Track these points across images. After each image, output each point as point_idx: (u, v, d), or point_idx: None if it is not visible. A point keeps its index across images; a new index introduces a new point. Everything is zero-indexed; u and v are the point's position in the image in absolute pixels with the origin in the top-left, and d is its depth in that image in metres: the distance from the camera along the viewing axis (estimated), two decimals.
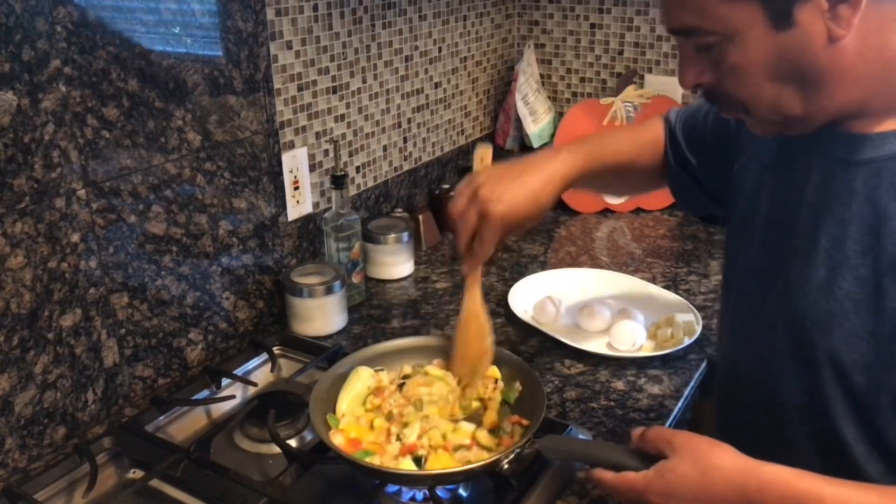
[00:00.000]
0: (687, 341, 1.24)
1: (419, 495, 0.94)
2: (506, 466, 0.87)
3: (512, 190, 0.92)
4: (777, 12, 0.66)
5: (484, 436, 0.93)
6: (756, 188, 0.88)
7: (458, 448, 0.92)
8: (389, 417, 0.95)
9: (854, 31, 0.66)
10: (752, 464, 0.70)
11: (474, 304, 1.00)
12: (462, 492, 0.96)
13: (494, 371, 1.03)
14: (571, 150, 1.01)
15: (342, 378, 1.02)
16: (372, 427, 0.95)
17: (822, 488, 0.67)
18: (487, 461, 0.86)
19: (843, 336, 0.75)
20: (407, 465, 0.89)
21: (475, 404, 0.99)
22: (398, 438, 0.92)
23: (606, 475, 0.77)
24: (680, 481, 0.71)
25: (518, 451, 0.87)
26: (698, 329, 1.27)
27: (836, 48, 0.67)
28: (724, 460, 0.71)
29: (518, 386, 1.00)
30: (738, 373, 0.92)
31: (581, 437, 1.03)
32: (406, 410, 0.96)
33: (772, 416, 0.85)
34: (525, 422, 0.94)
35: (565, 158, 0.99)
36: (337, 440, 0.92)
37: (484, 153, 1.01)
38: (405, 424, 0.93)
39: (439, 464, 0.89)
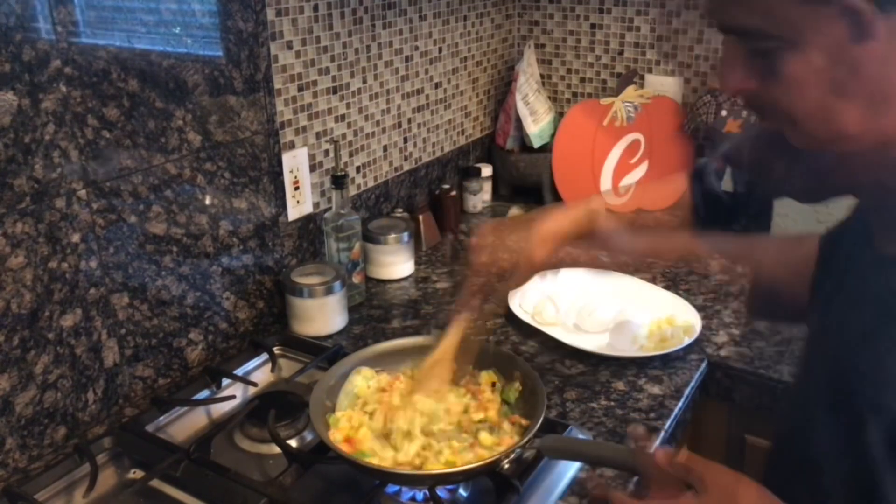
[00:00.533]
0: (687, 341, 1.24)
1: (419, 495, 0.94)
2: (506, 466, 0.87)
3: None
4: (857, 22, 0.59)
5: (485, 436, 0.93)
6: None
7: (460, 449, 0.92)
8: (388, 430, 0.94)
9: None
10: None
11: (448, 348, 0.99)
12: (462, 492, 0.96)
13: (490, 376, 1.03)
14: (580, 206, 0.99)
15: (343, 378, 1.02)
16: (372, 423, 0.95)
17: None
18: (487, 461, 0.86)
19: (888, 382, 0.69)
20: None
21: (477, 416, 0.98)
22: (395, 449, 0.92)
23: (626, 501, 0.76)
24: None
25: (518, 451, 0.87)
26: (698, 329, 1.27)
27: None
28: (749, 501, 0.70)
29: (518, 386, 1.00)
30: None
31: (581, 437, 1.03)
32: (407, 423, 0.94)
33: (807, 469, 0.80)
34: (525, 422, 0.94)
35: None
36: (337, 440, 0.92)
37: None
38: (406, 435, 0.92)
39: (439, 464, 0.89)
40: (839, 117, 0.64)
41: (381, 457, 0.90)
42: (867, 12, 0.59)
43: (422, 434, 0.92)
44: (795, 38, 0.62)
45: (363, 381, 1.02)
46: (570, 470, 0.97)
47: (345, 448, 0.90)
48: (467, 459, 0.89)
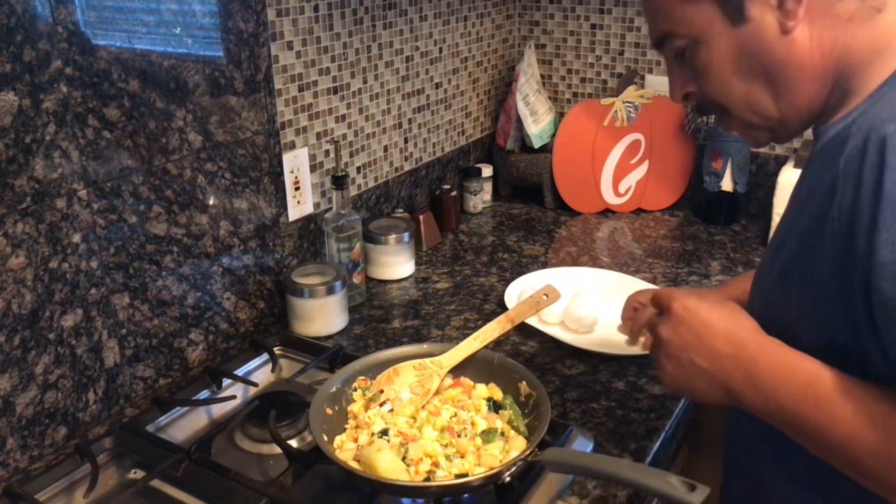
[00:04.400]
0: None
1: None
2: (507, 479, 0.87)
3: None
4: (731, 8, 0.71)
5: (490, 446, 0.93)
6: None
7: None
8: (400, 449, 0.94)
9: (805, 23, 0.69)
10: (761, 332, 0.75)
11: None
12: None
13: (483, 391, 1.03)
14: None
15: (345, 384, 1.03)
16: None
17: (819, 370, 0.69)
18: (488, 474, 0.86)
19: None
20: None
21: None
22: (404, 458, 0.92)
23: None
24: (694, 313, 0.78)
25: (520, 463, 0.87)
26: None
27: (790, 41, 0.70)
28: (737, 313, 0.77)
29: (522, 397, 1.01)
30: None
31: (582, 438, 1.03)
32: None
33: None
34: (522, 437, 0.94)
35: None
36: (345, 447, 0.94)
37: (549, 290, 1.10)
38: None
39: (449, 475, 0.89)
40: (755, 99, 0.75)
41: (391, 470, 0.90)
42: None
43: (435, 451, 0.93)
44: (695, 33, 0.74)
45: (359, 395, 1.03)
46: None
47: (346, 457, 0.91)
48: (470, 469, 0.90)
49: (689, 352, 0.77)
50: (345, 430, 0.98)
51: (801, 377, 0.70)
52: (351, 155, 1.56)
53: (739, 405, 0.74)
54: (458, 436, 0.94)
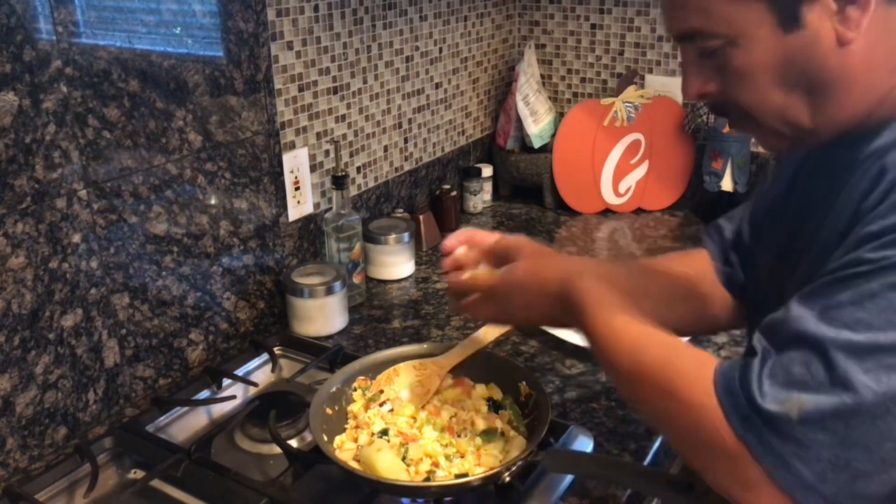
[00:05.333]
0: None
1: None
2: (507, 479, 0.87)
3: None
4: (785, 12, 0.64)
5: (491, 447, 0.93)
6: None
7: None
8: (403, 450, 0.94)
9: (863, 34, 0.64)
10: (578, 272, 0.81)
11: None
12: None
13: (488, 390, 1.03)
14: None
15: (345, 384, 1.03)
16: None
17: (615, 315, 0.74)
18: (488, 474, 0.86)
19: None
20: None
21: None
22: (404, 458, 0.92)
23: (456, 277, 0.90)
24: (519, 269, 0.85)
25: (520, 463, 0.87)
26: None
27: (846, 52, 0.64)
28: (561, 258, 0.87)
29: (521, 397, 1.01)
30: None
31: (582, 437, 1.03)
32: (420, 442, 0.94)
33: None
34: (521, 435, 0.94)
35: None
36: (345, 447, 0.93)
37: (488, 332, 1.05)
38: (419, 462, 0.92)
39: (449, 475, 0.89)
40: (791, 110, 0.68)
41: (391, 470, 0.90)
42: (790, 1, 0.63)
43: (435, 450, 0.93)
44: (734, 34, 0.66)
45: (359, 395, 1.03)
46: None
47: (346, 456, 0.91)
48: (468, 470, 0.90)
49: (519, 288, 0.84)
50: (345, 430, 0.98)
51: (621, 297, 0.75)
52: (351, 155, 1.56)
53: (572, 310, 0.78)
54: (458, 436, 0.94)
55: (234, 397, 1.15)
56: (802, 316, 0.61)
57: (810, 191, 0.77)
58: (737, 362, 0.65)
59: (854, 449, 0.58)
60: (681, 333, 0.78)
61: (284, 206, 1.36)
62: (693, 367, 0.67)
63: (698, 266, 0.96)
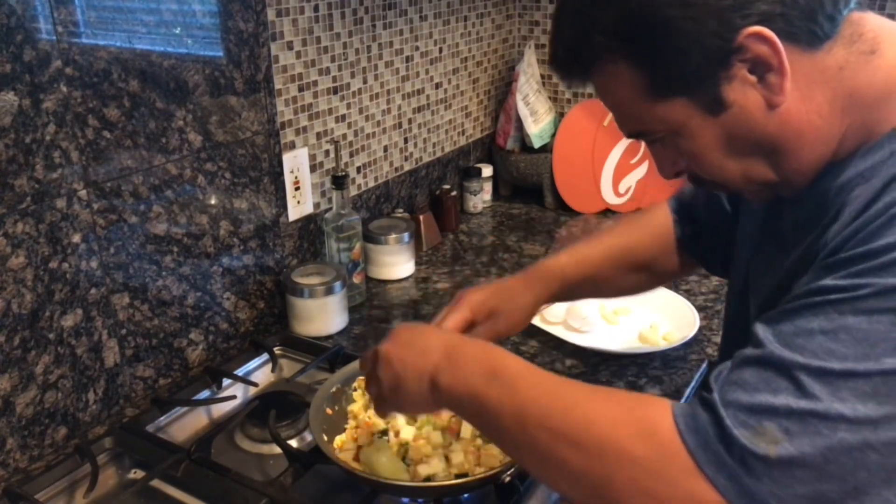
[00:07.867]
0: (685, 340, 1.24)
1: None
2: (507, 479, 0.87)
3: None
4: (706, 100, 0.65)
5: (493, 447, 0.92)
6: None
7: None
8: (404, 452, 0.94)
9: (792, 92, 0.64)
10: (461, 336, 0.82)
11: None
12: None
13: None
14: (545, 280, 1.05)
15: (345, 384, 1.03)
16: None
17: (508, 358, 0.73)
18: (488, 474, 0.86)
19: None
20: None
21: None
22: (404, 458, 0.92)
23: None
24: (402, 333, 0.81)
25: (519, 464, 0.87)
26: (697, 329, 1.27)
27: (782, 113, 0.65)
28: (441, 331, 0.84)
29: None
30: None
31: None
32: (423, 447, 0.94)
33: None
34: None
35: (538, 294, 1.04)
36: (345, 447, 0.93)
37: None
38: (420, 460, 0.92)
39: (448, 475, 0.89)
40: (752, 173, 0.70)
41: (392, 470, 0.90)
42: (709, 89, 0.65)
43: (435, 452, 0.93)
44: (671, 129, 0.69)
45: (359, 395, 1.03)
46: None
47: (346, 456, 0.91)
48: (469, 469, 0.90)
49: (403, 359, 0.78)
50: (345, 430, 0.98)
51: (496, 359, 0.73)
52: (351, 155, 1.56)
53: (440, 397, 0.75)
54: (458, 436, 0.94)
55: (234, 397, 1.15)
56: (769, 342, 0.60)
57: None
58: (693, 401, 0.62)
59: (830, 481, 0.56)
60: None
61: (284, 206, 1.36)
62: (622, 412, 0.64)
63: (654, 227, 1.04)
